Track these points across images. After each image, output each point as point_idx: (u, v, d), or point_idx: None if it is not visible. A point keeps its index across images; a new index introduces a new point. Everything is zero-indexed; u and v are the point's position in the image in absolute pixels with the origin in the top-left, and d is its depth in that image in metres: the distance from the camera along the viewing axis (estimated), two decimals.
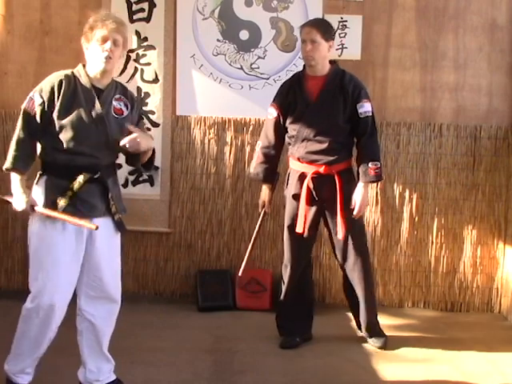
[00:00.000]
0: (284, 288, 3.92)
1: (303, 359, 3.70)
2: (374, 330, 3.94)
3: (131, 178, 4.61)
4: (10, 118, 4.57)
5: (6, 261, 4.68)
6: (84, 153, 2.90)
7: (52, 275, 2.87)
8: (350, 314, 4.34)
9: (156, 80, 4.57)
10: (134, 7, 4.52)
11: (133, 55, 4.54)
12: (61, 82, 2.89)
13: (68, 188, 2.87)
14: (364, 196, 3.75)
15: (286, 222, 3.87)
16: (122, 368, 3.24)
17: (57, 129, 2.87)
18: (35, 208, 2.88)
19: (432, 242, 4.63)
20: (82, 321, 3.04)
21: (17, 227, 4.64)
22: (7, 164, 2.90)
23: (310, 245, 3.94)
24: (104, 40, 2.88)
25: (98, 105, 2.92)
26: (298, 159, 3.80)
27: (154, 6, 4.51)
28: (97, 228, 2.84)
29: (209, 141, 4.63)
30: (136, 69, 4.55)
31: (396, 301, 4.62)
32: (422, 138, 4.55)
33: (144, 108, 4.56)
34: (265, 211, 3.97)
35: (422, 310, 4.63)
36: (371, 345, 3.91)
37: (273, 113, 3.83)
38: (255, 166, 3.91)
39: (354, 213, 3.73)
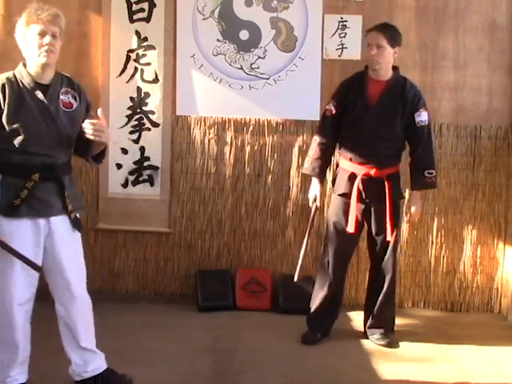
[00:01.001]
0: (323, 285, 3.93)
1: (303, 359, 3.70)
2: (387, 326, 3.96)
3: (131, 178, 4.61)
4: None
5: None
6: (38, 152, 2.87)
7: (9, 279, 2.87)
8: (351, 314, 4.35)
9: (156, 80, 4.56)
10: (134, 7, 4.51)
11: (133, 55, 4.54)
12: (3, 86, 2.85)
13: (22, 187, 2.84)
14: (419, 203, 3.94)
15: (332, 219, 3.90)
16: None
17: (8, 132, 2.82)
18: None
19: (432, 242, 4.63)
20: (58, 319, 3.07)
21: None
22: None
23: (355, 243, 3.99)
24: (42, 34, 2.86)
25: (45, 103, 2.88)
26: (350, 159, 3.83)
27: (154, 5, 4.51)
28: (40, 270, 2.89)
29: (209, 141, 4.63)
30: (136, 69, 4.55)
31: (396, 301, 4.61)
32: None
33: (144, 108, 4.57)
34: (316, 206, 3.96)
35: (422, 310, 4.63)
36: (375, 342, 3.91)
37: (332, 110, 3.85)
38: (311, 161, 3.91)
39: (409, 219, 3.93)
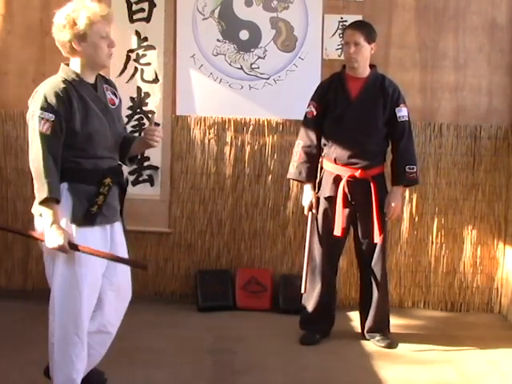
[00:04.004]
0: (313, 289, 3.91)
1: (303, 359, 3.70)
2: (384, 328, 3.95)
3: (131, 177, 4.61)
4: (9, 118, 4.58)
5: (5, 261, 4.68)
6: (105, 156, 2.77)
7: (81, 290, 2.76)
8: (351, 314, 4.35)
9: (156, 80, 4.57)
10: (134, 7, 4.51)
11: (133, 55, 4.54)
12: (65, 89, 2.67)
13: (98, 194, 2.71)
14: (399, 199, 3.89)
15: (318, 223, 3.87)
16: (122, 368, 3.24)
17: (80, 139, 2.68)
18: (77, 245, 2.64)
19: (432, 242, 4.62)
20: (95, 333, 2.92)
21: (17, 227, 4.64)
22: (44, 194, 2.57)
23: (342, 246, 3.97)
24: (106, 36, 2.71)
25: (105, 102, 2.79)
26: (335, 160, 3.81)
27: (154, 5, 4.51)
28: (147, 268, 2.88)
29: (209, 141, 4.63)
30: (136, 69, 4.55)
31: (396, 301, 4.61)
32: (421, 138, 4.54)
33: (144, 108, 4.57)
34: (313, 213, 3.89)
35: (422, 310, 4.63)
36: (376, 344, 3.90)
37: (312, 111, 3.84)
38: (297, 166, 3.87)
39: (389, 216, 3.83)
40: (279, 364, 3.63)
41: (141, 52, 4.54)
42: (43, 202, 2.61)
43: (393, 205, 3.83)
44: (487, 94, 4.57)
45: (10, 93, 4.57)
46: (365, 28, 3.78)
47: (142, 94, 4.57)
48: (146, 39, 4.53)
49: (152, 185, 4.64)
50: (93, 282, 2.77)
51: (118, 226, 2.89)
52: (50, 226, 2.62)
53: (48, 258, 2.78)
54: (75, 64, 2.76)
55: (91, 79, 2.79)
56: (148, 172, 4.62)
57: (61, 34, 2.70)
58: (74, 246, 2.64)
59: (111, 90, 2.89)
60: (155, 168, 4.61)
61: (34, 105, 2.66)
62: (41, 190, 2.60)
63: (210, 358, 3.67)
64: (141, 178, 4.62)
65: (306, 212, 3.93)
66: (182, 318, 4.29)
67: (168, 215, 4.67)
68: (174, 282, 4.72)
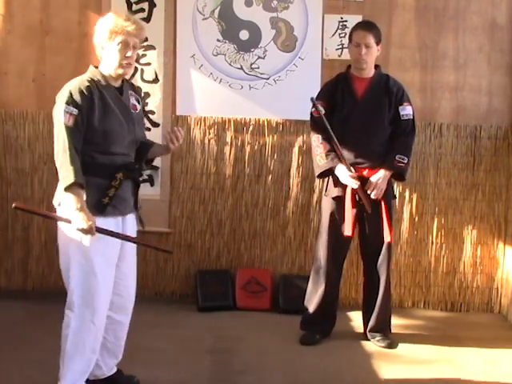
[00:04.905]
0: (317, 289, 3.91)
1: (303, 359, 3.70)
2: (385, 328, 3.96)
3: None
4: (9, 118, 4.57)
5: (5, 261, 4.68)
6: (120, 152, 2.95)
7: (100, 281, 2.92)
8: (351, 314, 4.35)
9: (156, 80, 4.57)
10: (134, 7, 4.52)
11: None
12: (89, 88, 2.86)
13: (109, 186, 2.90)
14: (382, 179, 3.75)
15: (325, 223, 3.87)
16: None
17: (97, 134, 2.87)
18: (103, 228, 2.83)
19: (432, 242, 4.63)
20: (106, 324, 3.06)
21: (17, 227, 4.64)
22: (71, 179, 2.74)
23: (347, 248, 3.98)
24: (125, 45, 2.89)
25: (126, 105, 2.98)
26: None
27: (154, 5, 4.51)
28: (171, 252, 3.08)
29: (209, 141, 4.63)
30: (136, 69, 4.55)
31: (396, 301, 4.61)
32: (421, 138, 4.54)
33: (144, 108, 4.57)
34: (357, 185, 3.74)
35: (422, 310, 4.63)
36: (376, 344, 3.90)
37: (321, 109, 3.78)
38: (325, 155, 3.78)
39: (372, 196, 3.75)
40: (279, 364, 3.63)
41: (141, 52, 4.53)
42: (69, 188, 2.76)
43: (373, 183, 3.74)
44: (487, 94, 4.57)
45: (10, 93, 4.57)
46: (375, 29, 3.79)
47: (142, 94, 4.56)
48: (146, 39, 4.52)
49: (152, 185, 4.63)
50: (108, 269, 2.94)
51: (130, 218, 3.05)
52: (76, 210, 2.77)
53: (63, 252, 2.93)
54: (102, 67, 2.97)
55: (116, 83, 2.99)
56: (148, 172, 4.61)
57: (95, 39, 2.97)
58: (99, 229, 2.81)
59: (135, 96, 3.10)
60: (155, 168, 4.60)
61: (61, 99, 2.85)
62: (66, 177, 2.76)
63: (209, 358, 3.67)
64: (141, 178, 4.60)
65: (354, 185, 3.72)
66: (182, 318, 4.29)
67: (168, 215, 4.67)
68: (174, 282, 4.72)
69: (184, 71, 4.56)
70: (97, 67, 2.98)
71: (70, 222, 2.80)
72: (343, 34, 4.48)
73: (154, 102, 4.58)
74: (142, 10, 4.51)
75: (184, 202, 4.67)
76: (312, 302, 3.94)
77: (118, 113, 2.93)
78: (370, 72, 3.83)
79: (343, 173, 3.75)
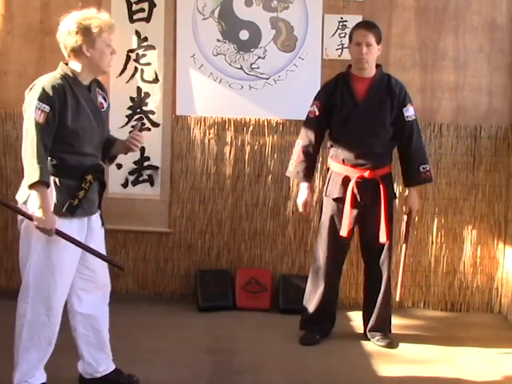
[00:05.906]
0: (316, 289, 3.91)
1: (303, 359, 3.70)
2: (385, 328, 3.96)
3: (131, 178, 4.61)
4: (9, 118, 4.58)
5: (5, 261, 4.69)
6: (89, 153, 2.96)
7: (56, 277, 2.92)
8: (351, 314, 4.35)
9: (156, 80, 4.57)
10: (134, 7, 4.52)
11: (133, 55, 4.54)
12: (62, 85, 2.84)
13: (79, 188, 2.89)
14: (417, 201, 3.94)
15: (325, 223, 3.87)
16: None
17: (68, 133, 2.85)
18: (61, 231, 2.84)
19: (432, 242, 4.62)
20: (74, 316, 3.08)
21: (17, 227, 4.62)
22: (36, 178, 2.73)
23: (347, 249, 3.99)
24: (109, 45, 2.93)
25: (96, 104, 2.97)
26: (343, 161, 3.81)
27: (154, 5, 4.51)
28: (123, 269, 3.05)
29: (209, 141, 4.63)
30: (136, 69, 4.55)
31: (396, 301, 4.62)
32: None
33: (144, 108, 4.57)
34: (307, 212, 3.98)
35: (422, 310, 4.63)
36: (376, 344, 3.90)
37: (315, 111, 3.83)
38: (295, 165, 3.90)
39: (408, 220, 3.95)
40: (279, 364, 3.63)
41: (141, 52, 4.54)
42: (34, 186, 2.76)
43: (411, 206, 3.93)
44: (487, 94, 4.57)
45: (9, 93, 4.57)
46: (375, 29, 3.79)
47: (142, 94, 4.57)
48: (145, 39, 4.53)
49: (152, 185, 4.63)
50: (67, 267, 2.94)
51: (95, 217, 3.07)
52: (39, 208, 2.79)
53: (24, 239, 2.96)
54: (75, 66, 2.93)
55: (87, 81, 2.96)
56: (148, 172, 4.61)
57: (69, 38, 2.88)
58: (58, 232, 2.83)
59: (102, 94, 3.07)
60: (155, 168, 4.61)
61: (32, 95, 2.83)
62: (32, 175, 2.75)
63: (209, 358, 3.67)
64: (141, 178, 4.62)
65: (301, 210, 3.95)
66: (182, 318, 4.29)
67: (168, 215, 4.67)
68: (174, 282, 4.72)
69: (184, 71, 4.56)
70: (67, 64, 2.94)
71: (31, 219, 2.82)
72: (343, 34, 4.48)
73: (154, 102, 4.57)
74: (142, 10, 4.51)
75: (184, 202, 4.67)
76: (311, 302, 3.94)
77: (89, 112, 2.92)
78: (371, 72, 3.82)
79: (301, 193, 3.92)
